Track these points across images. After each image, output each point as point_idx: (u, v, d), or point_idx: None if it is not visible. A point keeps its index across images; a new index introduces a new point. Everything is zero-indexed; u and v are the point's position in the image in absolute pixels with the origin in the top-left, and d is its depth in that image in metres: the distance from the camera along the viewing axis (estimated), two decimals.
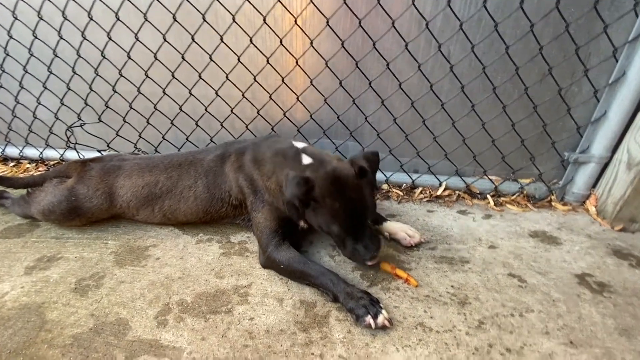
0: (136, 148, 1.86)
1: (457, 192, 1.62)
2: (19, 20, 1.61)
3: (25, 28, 1.62)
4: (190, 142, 1.79)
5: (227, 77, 1.54)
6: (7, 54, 1.72)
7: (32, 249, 1.33)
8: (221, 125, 1.69)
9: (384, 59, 1.39)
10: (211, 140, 1.76)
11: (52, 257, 1.28)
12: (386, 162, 1.65)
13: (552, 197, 1.57)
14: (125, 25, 1.48)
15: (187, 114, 1.69)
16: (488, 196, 1.58)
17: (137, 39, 1.49)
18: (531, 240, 1.34)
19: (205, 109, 1.65)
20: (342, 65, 1.48)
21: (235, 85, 1.56)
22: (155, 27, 1.47)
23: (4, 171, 2.00)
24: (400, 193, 1.63)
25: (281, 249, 1.16)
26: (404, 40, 1.34)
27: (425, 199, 1.60)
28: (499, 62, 1.36)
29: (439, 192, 1.61)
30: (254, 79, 1.53)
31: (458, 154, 1.56)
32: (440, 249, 1.29)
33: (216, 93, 1.59)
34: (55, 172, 1.45)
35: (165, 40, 1.48)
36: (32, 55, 1.68)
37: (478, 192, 1.61)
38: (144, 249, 1.32)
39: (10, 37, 1.65)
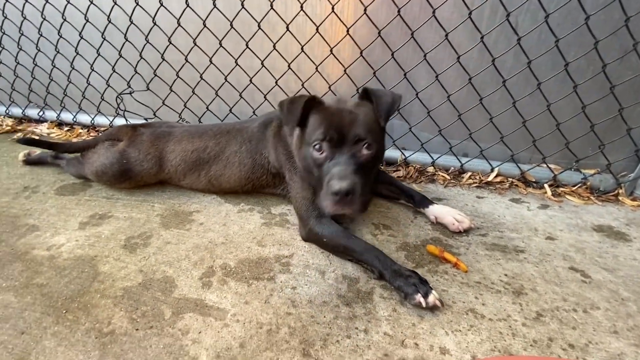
0: (181, 118, 1.89)
1: (510, 179, 1.51)
2: None
3: None
4: (233, 113, 1.79)
5: (274, 47, 1.50)
6: (65, 19, 1.78)
7: (85, 207, 1.39)
8: (264, 97, 1.67)
9: (443, 28, 1.29)
10: (254, 112, 1.75)
11: (104, 215, 1.33)
12: (433, 143, 1.56)
13: (620, 191, 1.42)
14: None
15: (231, 84, 1.68)
16: (545, 185, 1.46)
17: (188, 5, 1.48)
18: (595, 235, 1.22)
19: (250, 80, 1.62)
20: (395, 36, 1.40)
21: (281, 55, 1.52)
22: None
23: (59, 135, 2.12)
24: (447, 177, 1.54)
25: (323, 222, 1.13)
26: (467, 6, 1.23)
27: (474, 185, 1.50)
28: (574, 35, 1.21)
29: (489, 178, 1.50)
30: (302, 49, 1.48)
31: (514, 137, 1.44)
32: (491, 236, 1.20)
33: (262, 63, 1.56)
34: (106, 135, 1.50)
35: (215, 6, 1.46)
36: (87, 21, 1.73)
37: (534, 180, 1.49)
38: (188, 213, 1.34)
39: (68, 1, 1.70)
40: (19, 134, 2.09)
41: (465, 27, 1.28)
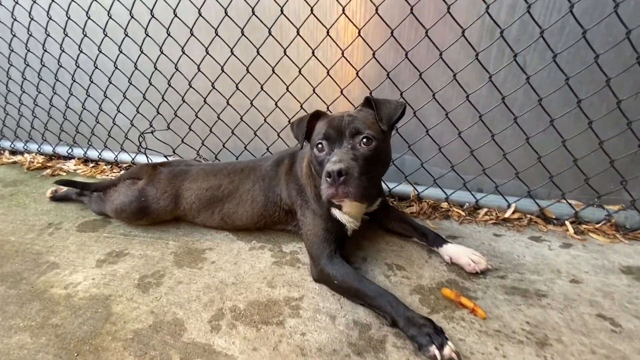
0: (198, 154, 1.97)
1: (528, 215, 1.46)
2: (108, 37, 1.80)
3: (112, 43, 1.81)
4: (248, 150, 1.85)
5: (287, 89, 1.57)
6: (96, 67, 1.94)
7: (103, 243, 1.43)
8: (278, 135, 1.72)
9: (451, 69, 1.32)
10: (267, 149, 1.80)
11: (120, 253, 1.37)
12: (446, 178, 1.55)
13: None
14: (198, 40, 1.58)
15: (247, 123, 1.75)
16: (567, 222, 1.40)
17: (207, 53, 1.59)
18: (624, 277, 1.14)
19: (265, 119, 1.69)
20: (403, 76, 1.44)
21: (294, 96, 1.58)
22: (224, 41, 1.55)
23: (84, 171, 2.23)
24: (462, 213, 1.51)
25: (334, 262, 1.12)
26: (474, 49, 1.26)
27: (490, 221, 1.46)
28: (585, 72, 1.21)
29: (507, 215, 1.46)
30: (313, 90, 1.54)
31: (531, 173, 1.41)
32: (511, 278, 1.15)
33: (276, 104, 1.63)
34: (128, 174, 1.56)
35: (232, 53, 1.56)
36: (116, 67, 1.87)
37: (554, 217, 1.44)
38: (201, 251, 1.36)
39: (100, 51, 1.85)
40: (48, 171, 2.21)
41: (473, 67, 1.31)
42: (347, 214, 1.20)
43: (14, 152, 2.51)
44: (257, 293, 1.13)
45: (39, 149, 2.39)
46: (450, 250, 1.22)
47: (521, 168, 1.41)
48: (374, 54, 1.37)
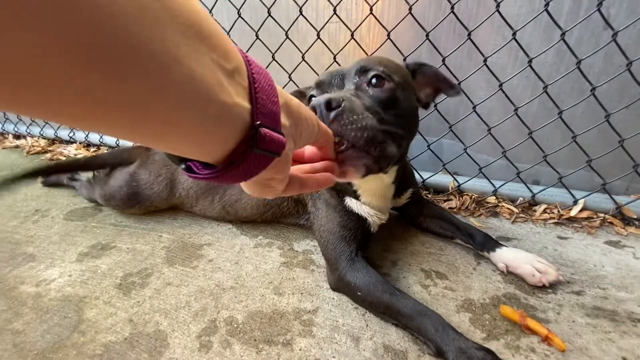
0: None
1: (600, 214, 1.17)
2: None
3: None
4: None
5: (302, 58, 1.33)
6: None
7: (89, 234, 1.25)
8: None
9: (510, 26, 1.04)
10: None
11: (106, 245, 1.18)
12: (494, 167, 1.27)
13: None
14: (201, 1, 1.36)
15: None
16: None
17: (211, 14, 1.37)
18: None
19: None
20: (445, 38, 1.17)
21: (311, 67, 1.34)
22: (230, 1, 1.33)
23: (85, 155, 2.07)
24: (515, 209, 1.23)
25: (356, 268, 0.87)
26: None
27: (551, 221, 1.18)
28: None
29: (573, 213, 1.17)
30: (334, 59, 1.29)
31: (603, 162, 1.12)
32: (590, 295, 0.87)
33: (289, 77, 1.39)
34: (119, 156, 1.37)
35: (239, 15, 1.33)
36: None
37: (635, 217, 1.14)
38: (198, 247, 1.14)
39: None
40: (48, 155, 2.07)
41: (538, 22, 1.02)
42: (368, 205, 0.95)
43: (17, 136, 2.40)
44: (260, 302, 0.90)
45: (41, 133, 2.25)
46: (506, 255, 0.95)
47: (594, 155, 1.12)
48: (410, 9, 1.11)
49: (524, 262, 0.92)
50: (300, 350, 0.76)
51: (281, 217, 1.17)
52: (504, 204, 1.26)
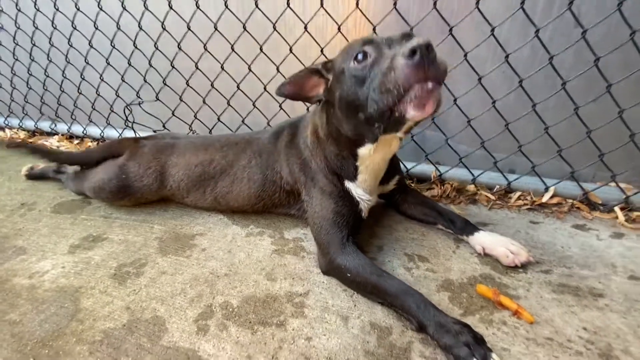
0: (191, 129, 1.76)
1: (569, 200, 1.26)
2: None
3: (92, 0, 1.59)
4: (245, 124, 1.64)
5: (290, 50, 1.35)
6: (75, 28, 1.71)
7: (80, 227, 1.25)
8: (280, 106, 1.51)
9: (489, 23, 1.09)
10: (268, 123, 1.59)
11: (98, 237, 1.19)
12: (473, 157, 1.34)
13: None
14: None
15: (244, 93, 1.53)
16: (616, 209, 1.20)
17: (198, 7, 1.36)
18: None
19: (264, 88, 1.47)
20: (430, 31, 1.21)
21: (298, 59, 1.36)
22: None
23: (69, 148, 2.04)
24: (492, 197, 1.31)
25: (347, 252, 0.93)
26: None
27: (525, 207, 1.26)
28: None
29: (544, 199, 1.26)
30: (321, 51, 1.32)
31: (572, 152, 1.20)
32: (557, 273, 0.96)
33: (277, 69, 1.41)
34: (107, 148, 1.37)
35: (226, 6, 1.33)
36: (96, 28, 1.65)
37: (600, 202, 1.23)
38: (190, 237, 1.17)
39: (78, 9, 1.63)
40: None
41: (514, 20, 1.08)
42: (363, 186, 1.01)
43: None
44: (253, 287, 0.95)
45: (21, 124, 2.19)
46: (483, 239, 1.03)
47: (563, 145, 1.20)
48: (395, 4, 1.15)
49: (499, 244, 1.00)
50: (293, 330, 0.81)
51: (272, 207, 1.21)
52: (482, 192, 1.33)
